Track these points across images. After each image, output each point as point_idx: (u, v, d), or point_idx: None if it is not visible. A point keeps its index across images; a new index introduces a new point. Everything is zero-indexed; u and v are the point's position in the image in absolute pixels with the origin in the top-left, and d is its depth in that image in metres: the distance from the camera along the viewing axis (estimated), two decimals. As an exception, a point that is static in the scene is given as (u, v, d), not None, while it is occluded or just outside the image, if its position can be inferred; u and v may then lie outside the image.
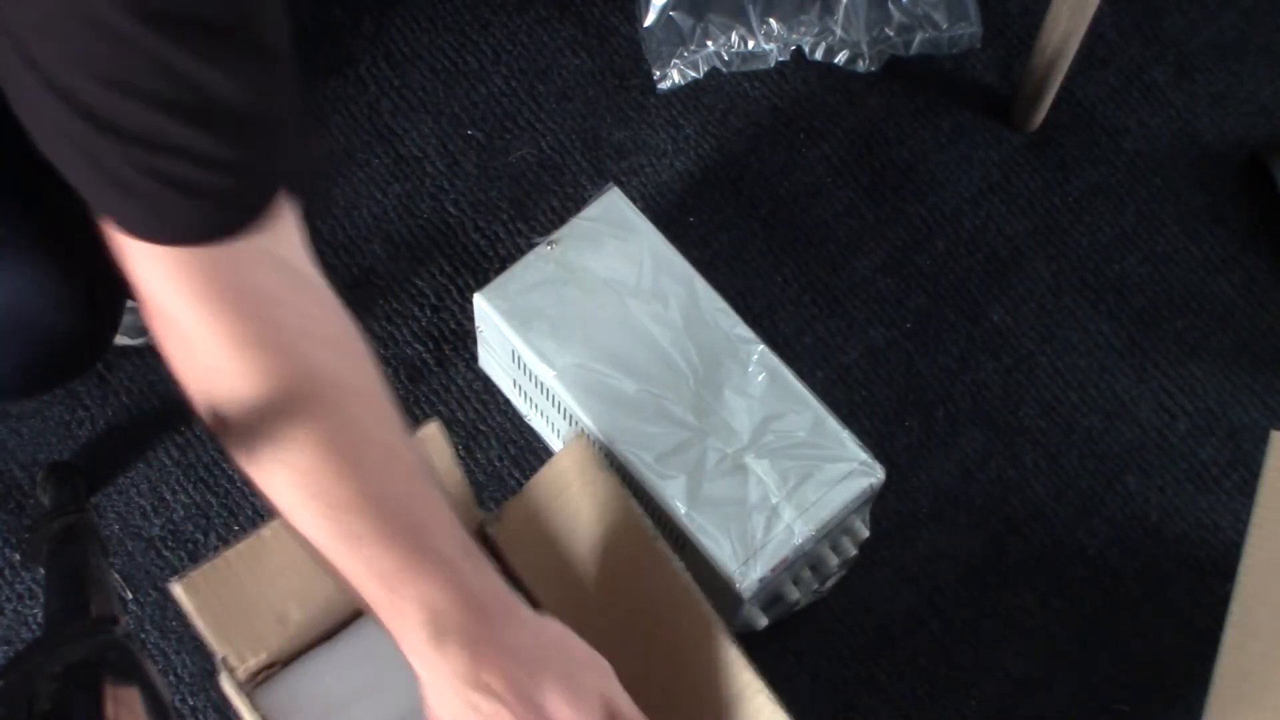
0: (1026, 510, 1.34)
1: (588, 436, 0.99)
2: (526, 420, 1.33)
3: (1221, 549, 1.33)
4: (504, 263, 1.35)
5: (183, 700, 1.23)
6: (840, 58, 1.48)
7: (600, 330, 1.21)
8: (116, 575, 1.26)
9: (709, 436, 1.18)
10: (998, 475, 1.35)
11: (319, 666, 0.95)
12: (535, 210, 1.41)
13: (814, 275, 1.41)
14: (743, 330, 1.22)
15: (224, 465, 1.30)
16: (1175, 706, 1.28)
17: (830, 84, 1.48)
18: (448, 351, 1.35)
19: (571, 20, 1.49)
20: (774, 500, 1.16)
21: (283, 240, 0.76)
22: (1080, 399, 1.39)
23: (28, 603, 1.25)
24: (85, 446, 1.30)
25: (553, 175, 1.43)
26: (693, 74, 1.46)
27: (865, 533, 1.23)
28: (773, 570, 1.15)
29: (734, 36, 1.47)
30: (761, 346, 1.21)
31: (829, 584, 1.26)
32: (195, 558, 1.27)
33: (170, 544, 1.27)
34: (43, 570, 1.17)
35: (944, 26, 1.49)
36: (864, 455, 1.18)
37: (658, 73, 1.46)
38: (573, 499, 0.98)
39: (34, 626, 1.24)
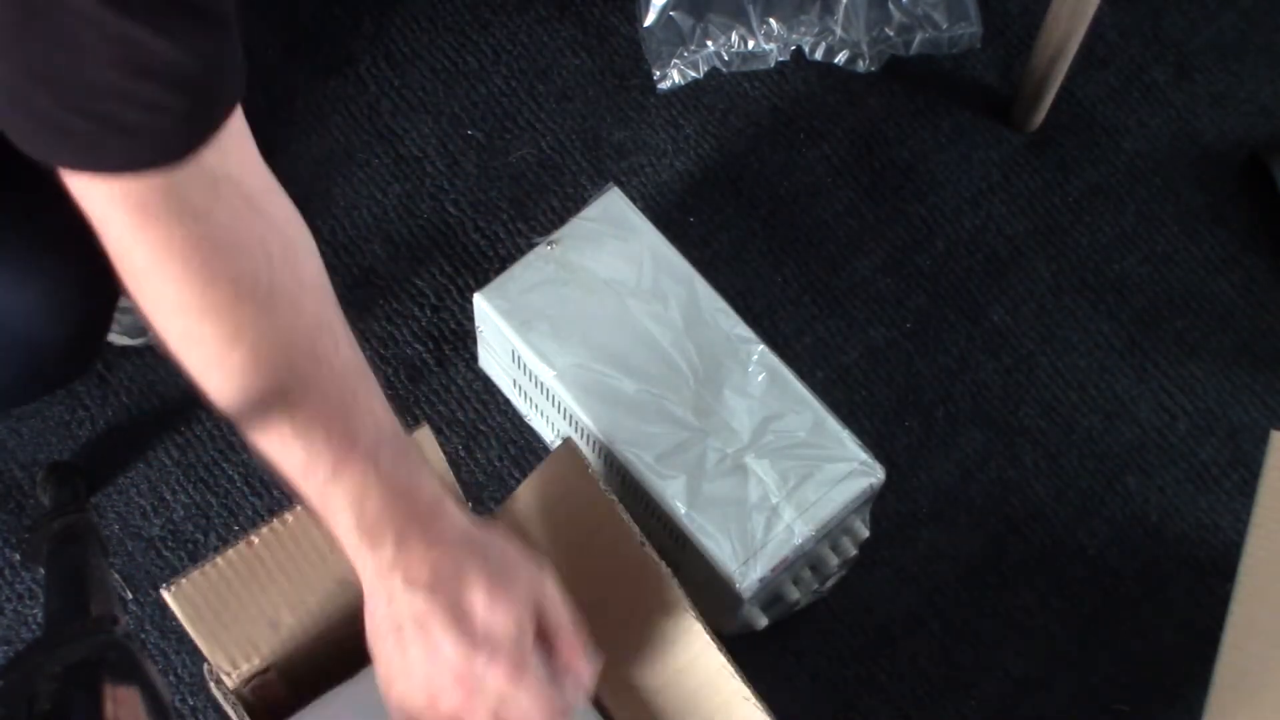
0: (1026, 510, 1.34)
1: (575, 442, 0.98)
2: (526, 420, 1.33)
3: (1221, 549, 1.33)
4: (504, 263, 1.35)
5: (183, 700, 1.23)
6: (840, 58, 1.48)
7: (600, 330, 1.21)
8: (116, 575, 1.26)
9: (709, 436, 1.18)
10: (998, 475, 1.35)
11: (339, 702, 0.94)
12: (535, 210, 1.41)
13: (814, 275, 1.41)
14: (743, 330, 1.22)
15: (224, 465, 1.30)
16: (1175, 706, 1.28)
17: (830, 84, 1.48)
18: (448, 351, 1.35)
19: (571, 20, 1.49)
20: (774, 500, 1.16)
21: (219, 149, 0.77)
22: (1080, 399, 1.39)
23: (28, 603, 1.25)
24: (85, 446, 1.30)
25: (553, 175, 1.43)
26: (693, 74, 1.46)
27: (865, 533, 1.23)
28: (773, 570, 1.15)
29: (734, 36, 1.47)
30: (761, 346, 1.21)
31: (829, 584, 1.26)
32: (195, 558, 1.27)
33: (170, 544, 1.27)
34: (43, 570, 1.17)
35: (944, 26, 1.49)
36: (864, 455, 1.18)
37: (658, 73, 1.46)
38: (560, 505, 0.97)
39: (34, 626, 1.24)
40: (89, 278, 0.90)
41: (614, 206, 1.25)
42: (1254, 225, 1.47)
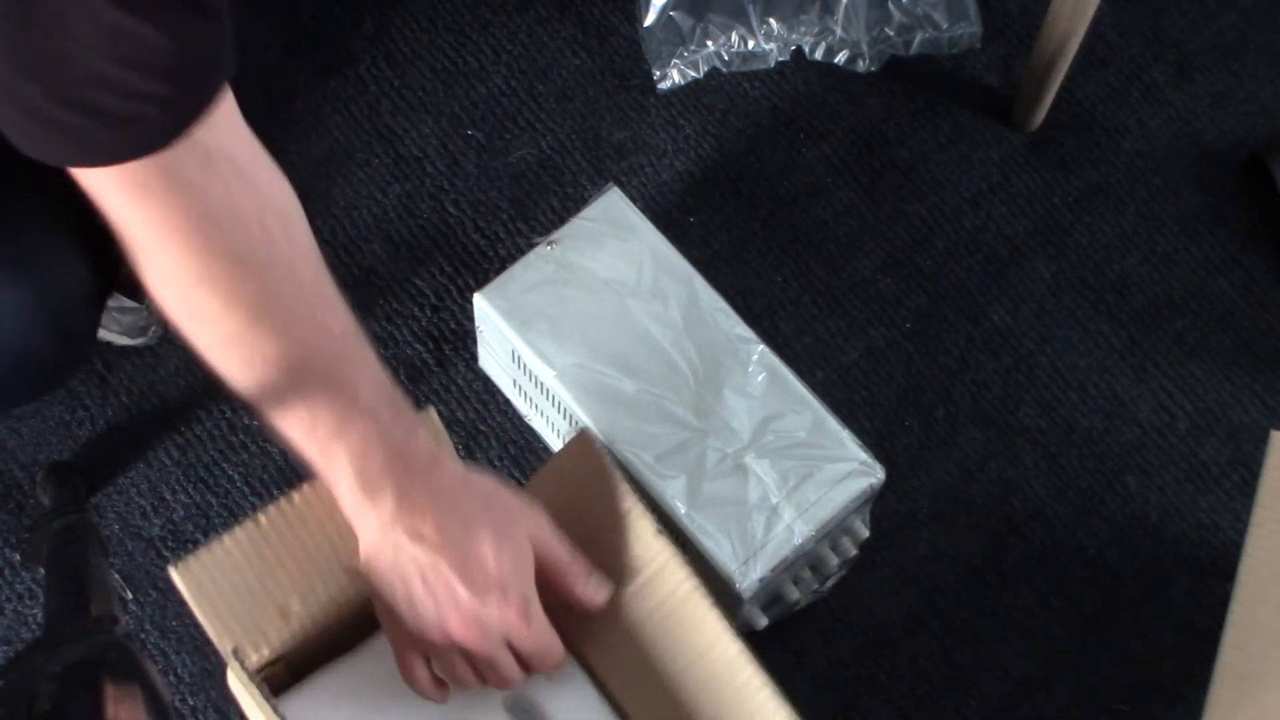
0: (1026, 510, 1.34)
1: (591, 431, 0.99)
2: (526, 420, 1.33)
3: (1221, 549, 1.33)
4: (504, 263, 1.35)
5: (183, 700, 1.23)
6: (840, 58, 1.48)
7: (600, 330, 1.21)
8: (116, 575, 1.26)
9: (709, 436, 1.18)
10: (998, 475, 1.35)
11: (336, 681, 0.95)
12: (535, 210, 1.41)
13: (814, 275, 1.41)
14: (743, 330, 1.22)
15: (224, 465, 1.30)
16: (1175, 706, 1.28)
17: (830, 84, 1.48)
18: (448, 351, 1.35)
19: (571, 20, 1.49)
20: (774, 500, 1.16)
21: (210, 126, 0.79)
22: (1080, 399, 1.39)
23: (28, 603, 1.25)
24: (85, 446, 1.30)
25: (553, 175, 1.43)
26: (693, 74, 1.47)
27: (865, 533, 1.23)
28: (773, 570, 1.15)
29: (734, 36, 1.47)
30: (761, 346, 1.21)
31: (829, 584, 1.26)
32: (195, 558, 1.27)
33: (170, 544, 1.27)
34: (43, 570, 1.17)
35: (944, 26, 1.49)
36: (864, 455, 1.18)
37: (658, 73, 1.46)
38: (576, 495, 0.98)
39: (34, 626, 1.24)
40: (77, 281, 0.91)
41: (614, 206, 1.25)
42: (1254, 225, 1.47)
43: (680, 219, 1.41)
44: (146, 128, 0.76)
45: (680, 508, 1.15)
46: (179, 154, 0.77)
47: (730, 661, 0.93)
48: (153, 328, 1.30)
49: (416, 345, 1.35)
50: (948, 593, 1.31)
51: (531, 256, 1.24)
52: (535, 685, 0.95)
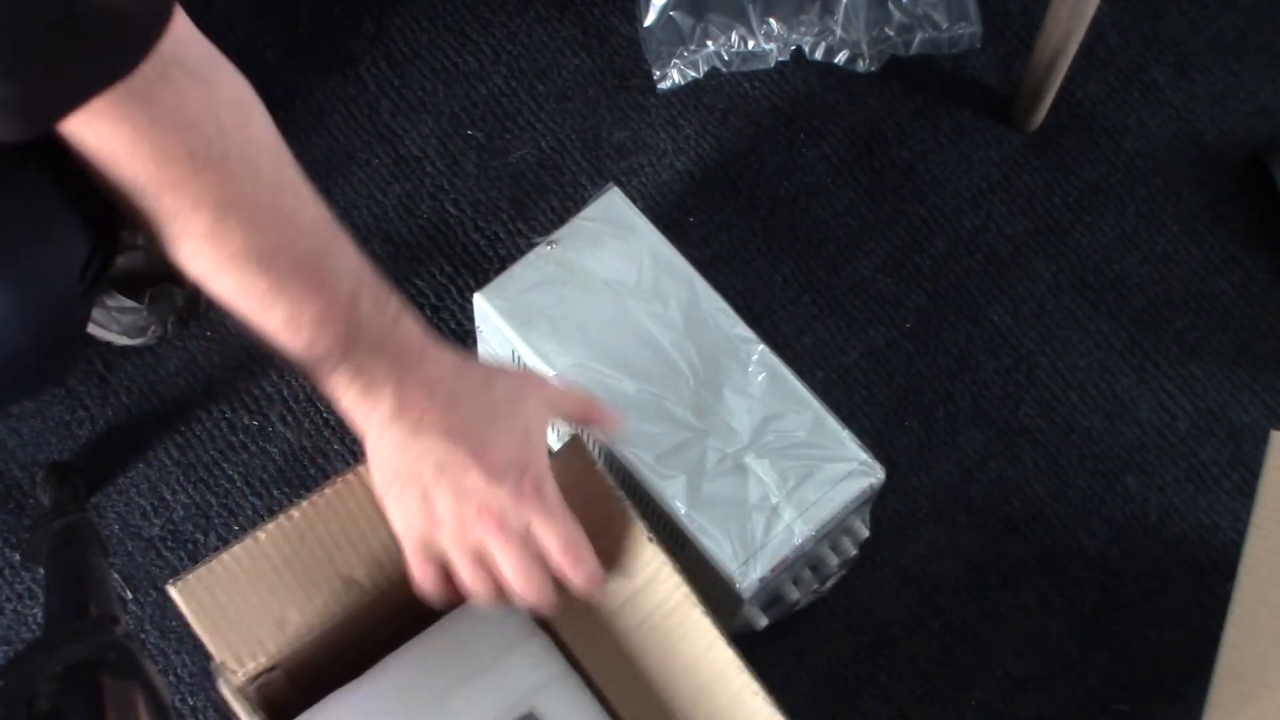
0: (1026, 510, 1.34)
1: (581, 438, 0.99)
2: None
3: (1221, 549, 1.33)
4: (504, 263, 1.35)
5: (183, 700, 1.23)
6: (840, 58, 1.48)
7: (600, 330, 1.21)
8: (116, 575, 1.26)
9: (709, 436, 1.18)
10: (998, 475, 1.35)
11: (346, 706, 0.95)
12: (535, 210, 1.41)
13: (814, 275, 1.41)
14: (743, 330, 1.22)
15: (224, 465, 1.30)
16: (1175, 706, 1.28)
17: (830, 84, 1.48)
18: (448, 351, 1.35)
19: (571, 20, 1.49)
20: (774, 500, 1.16)
21: (171, 39, 0.78)
22: (1080, 399, 1.39)
23: (28, 603, 1.25)
24: (85, 446, 1.30)
25: (553, 175, 1.43)
26: (693, 74, 1.46)
27: (865, 533, 1.23)
28: (773, 570, 1.15)
29: (734, 36, 1.47)
30: (761, 346, 1.21)
31: (829, 584, 1.26)
32: (195, 558, 1.27)
33: (170, 544, 1.27)
34: (43, 570, 1.17)
35: (944, 26, 1.49)
36: (864, 455, 1.18)
37: (658, 73, 1.46)
38: (568, 502, 0.98)
39: (34, 626, 1.24)
40: (63, 280, 0.91)
41: (614, 206, 1.25)
42: (1254, 225, 1.47)
43: (680, 219, 1.41)
44: (108, 66, 0.75)
45: (680, 508, 1.15)
46: (135, 79, 0.76)
47: (723, 669, 0.92)
48: (152, 328, 1.30)
49: (416, 345, 1.35)
50: (948, 593, 1.31)
51: (531, 256, 1.24)
52: (540, 699, 0.94)
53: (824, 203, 1.44)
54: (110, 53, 0.74)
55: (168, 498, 1.29)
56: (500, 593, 0.88)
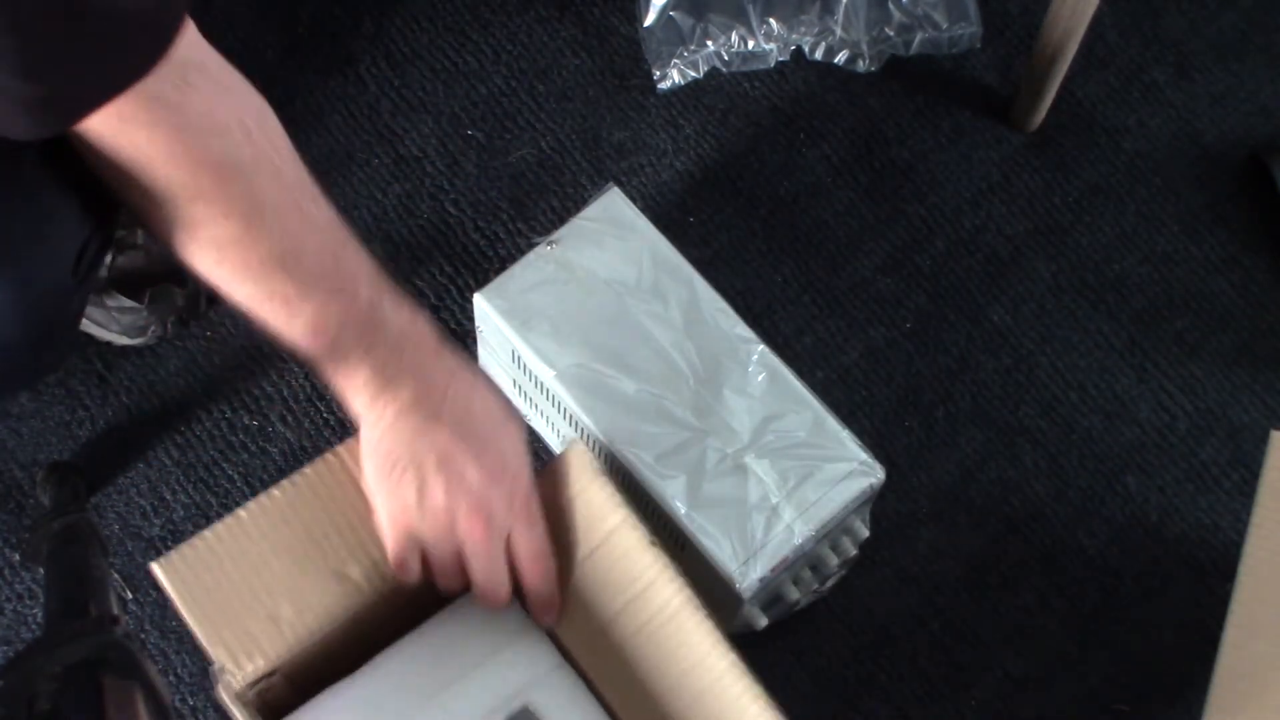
0: (1026, 510, 1.34)
1: (583, 443, 0.99)
2: (527, 420, 1.33)
3: (1221, 549, 1.33)
4: (504, 263, 1.35)
5: (183, 700, 1.23)
6: (840, 58, 1.48)
7: (600, 330, 1.21)
8: (116, 575, 1.26)
9: (709, 436, 1.18)
10: (998, 475, 1.35)
11: (342, 700, 0.94)
12: (535, 210, 1.41)
13: (814, 275, 1.41)
14: (743, 330, 1.22)
15: (224, 465, 1.30)
16: (1175, 706, 1.28)
17: (830, 84, 1.48)
18: (448, 351, 1.35)
19: (571, 20, 1.49)
20: (774, 500, 1.16)
21: (185, 43, 0.78)
22: (1080, 399, 1.39)
23: (28, 603, 1.25)
24: (85, 446, 1.30)
25: (553, 175, 1.43)
26: (693, 74, 1.46)
27: (865, 533, 1.23)
28: (773, 570, 1.15)
29: (734, 36, 1.47)
30: (761, 346, 1.21)
31: (829, 584, 1.26)
32: (195, 558, 1.27)
33: (170, 544, 1.27)
34: (43, 570, 1.17)
35: (944, 26, 1.49)
36: (864, 455, 1.18)
37: (658, 73, 1.46)
38: (568, 507, 0.98)
39: (34, 626, 1.24)
40: (57, 272, 0.90)
41: (614, 206, 1.25)
42: (1254, 225, 1.47)
43: (680, 219, 1.41)
44: (126, 68, 0.75)
45: (680, 508, 1.15)
46: (156, 77, 0.77)
47: (722, 675, 0.92)
48: (152, 328, 1.30)
49: (416, 345, 1.35)
50: (948, 593, 1.31)
51: (531, 256, 1.24)
52: (535, 693, 0.94)
53: (824, 203, 1.44)
54: (128, 53, 0.75)
55: (168, 498, 1.29)
56: (464, 583, 0.90)
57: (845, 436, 1.19)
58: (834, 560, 1.21)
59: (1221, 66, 1.52)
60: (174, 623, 1.25)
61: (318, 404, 1.32)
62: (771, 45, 1.47)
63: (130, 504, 1.28)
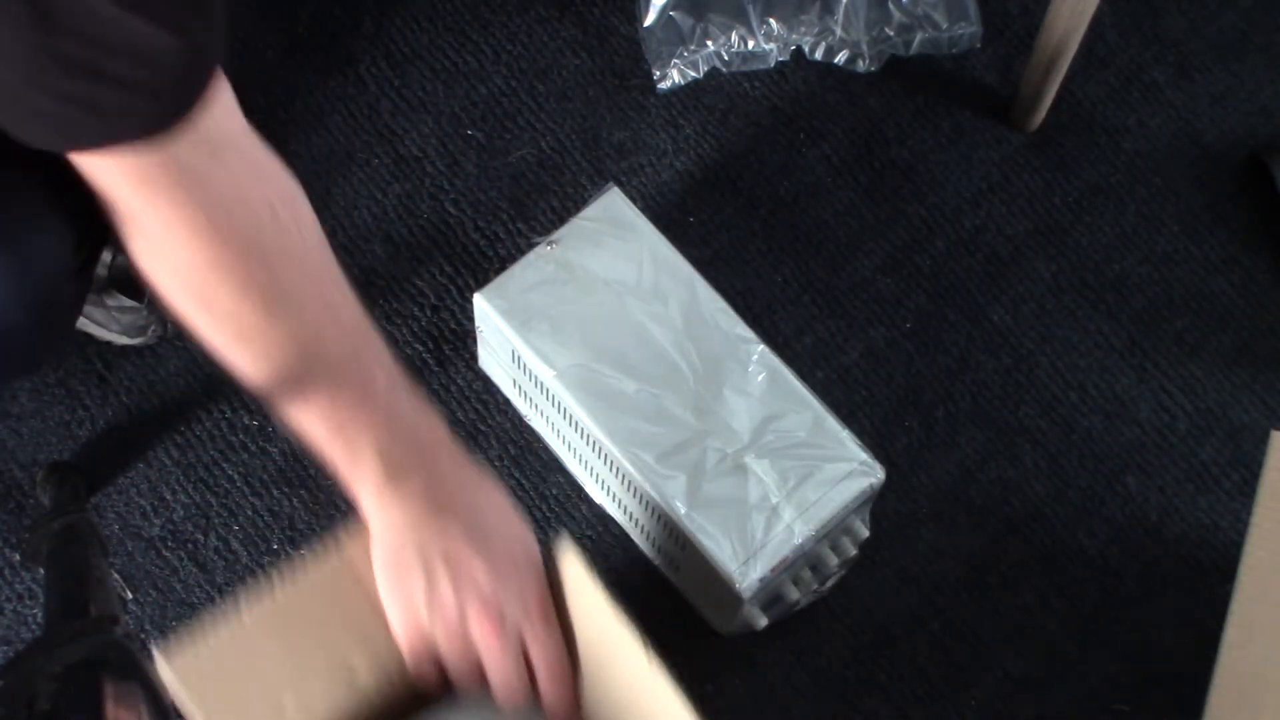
0: (1026, 510, 1.34)
1: (573, 548, 0.94)
2: (526, 420, 1.33)
3: (1221, 549, 1.33)
4: (504, 263, 1.35)
5: (183, 700, 1.23)
6: (840, 58, 1.48)
7: (600, 330, 1.21)
8: (116, 575, 1.26)
9: (709, 436, 1.18)
10: (998, 475, 1.35)
11: None
12: (535, 210, 1.41)
13: (814, 275, 1.41)
14: (743, 330, 1.22)
15: (224, 465, 1.30)
16: (1175, 706, 1.28)
17: (830, 84, 1.48)
18: (448, 351, 1.35)
19: (571, 20, 1.49)
20: (774, 500, 1.16)
21: (210, 114, 0.78)
22: (1080, 399, 1.39)
23: (28, 603, 1.25)
24: (85, 446, 1.30)
25: (553, 175, 1.43)
26: (693, 74, 1.46)
27: (865, 533, 1.23)
28: (773, 570, 1.15)
29: (734, 36, 1.47)
30: (761, 346, 1.21)
31: (829, 584, 1.26)
32: (195, 558, 1.27)
33: (170, 544, 1.27)
34: (43, 570, 1.17)
35: (944, 26, 1.49)
36: (864, 455, 1.18)
37: (658, 73, 1.46)
38: (563, 614, 0.94)
39: (34, 626, 1.24)
40: (59, 255, 0.90)
41: (614, 206, 1.26)
42: (1254, 225, 1.47)
43: (680, 219, 1.41)
44: (139, 116, 0.74)
45: (680, 508, 1.15)
46: (182, 145, 0.76)
47: None
48: (152, 327, 1.30)
49: (416, 345, 1.35)
50: (948, 593, 1.31)
51: (531, 256, 1.24)
52: None
53: (824, 203, 1.44)
54: (145, 100, 0.74)
55: (168, 498, 1.29)
56: (483, 683, 0.88)
57: (845, 436, 1.19)
58: (834, 560, 1.21)
59: (1221, 66, 1.52)
60: (174, 623, 1.25)
61: (318, 404, 1.32)
62: (771, 45, 1.47)
63: (130, 504, 1.28)
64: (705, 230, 1.41)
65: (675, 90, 1.47)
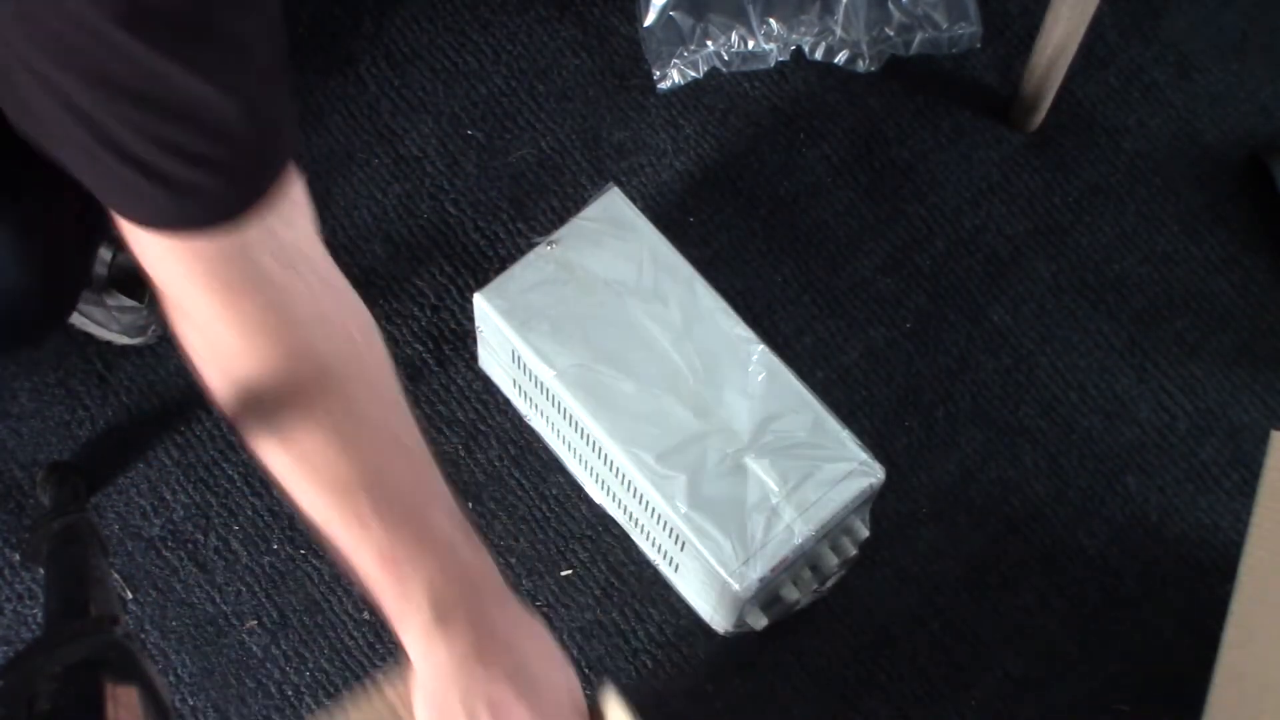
0: (1026, 510, 1.34)
1: (619, 698, 0.92)
2: (526, 420, 1.33)
3: (1221, 549, 1.33)
4: (504, 263, 1.35)
5: (183, 700, 1.23)
6: (840, 58, 1.48)
7: (600, 330, 1.21)
8: (116, 575, 1.26)
9: (709, 436, 1.18)
10: (998, 475, 1.35)
11: None
12: (535, 210, 1.41)
13: (814, 275, 1.41)
14: (743, 330, 1.22)
15: (224, 465, 1.30)
16: (1175, 706, 1.28)
17: (830, 84, 1.48)
18: (448, 351, 1.35)
19: (571, 20, 1.49)
20: (774, 500, 1.16)
21: (288, 222, 0.76)
22: (1080, 399, 1.39)
23: (28, 603, 1.25)
24: (85, 446, 1.30)
25: (553, 175, 1.43)
26: (693, 74, 1.47)
27: (865, 533, 1.23)
28: (772, 570, 1.15)
29: (734, 36, 1.47)
30: (761, 346, 1.21)
31: (829, 584, 1.26)
32: (195, 558, 1.27)
33: (170, 544, 1.27)
34: (43, 570, 1.17)
35: (944, 26, 1.49)
36: (864, 455, 1.18)
37: (658, 73, 1.46)
38: None
39: (34, 626, 1.24)
40: (58, 227, 0.89)
41: (614, 206, 1.26)
42: (1254, 225, 1.47)
43: (680, 219, 1.41)
44: (207, 194, 0.72)
45: (680, 508, 1.15)
46: (258, 244, 0.74)
47: None
48: (152, 327, 1.30)
49: (416, 345, 1.35)
50: (948, 593, 1.31)
51: (531, 256, 1.24)
52: None
53: (824, 203, 1.44)
54: (214, 176, 0.72)
55: (168, 498, 1.29)
56: None
57: (845, 436, 1.19)
58: (834, 560, 1.21)
59: (1221, 66, 1.52)
60: (174, 623, 1.25)
61: (318, 404, 1.32)
62: (771, 45, 1.47)
63: (130, 504, 1.28)
64: (705, 230, 1.41)
65: (675, 90, 1.47)
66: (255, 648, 1.25)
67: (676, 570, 1.24)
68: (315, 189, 1.42)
